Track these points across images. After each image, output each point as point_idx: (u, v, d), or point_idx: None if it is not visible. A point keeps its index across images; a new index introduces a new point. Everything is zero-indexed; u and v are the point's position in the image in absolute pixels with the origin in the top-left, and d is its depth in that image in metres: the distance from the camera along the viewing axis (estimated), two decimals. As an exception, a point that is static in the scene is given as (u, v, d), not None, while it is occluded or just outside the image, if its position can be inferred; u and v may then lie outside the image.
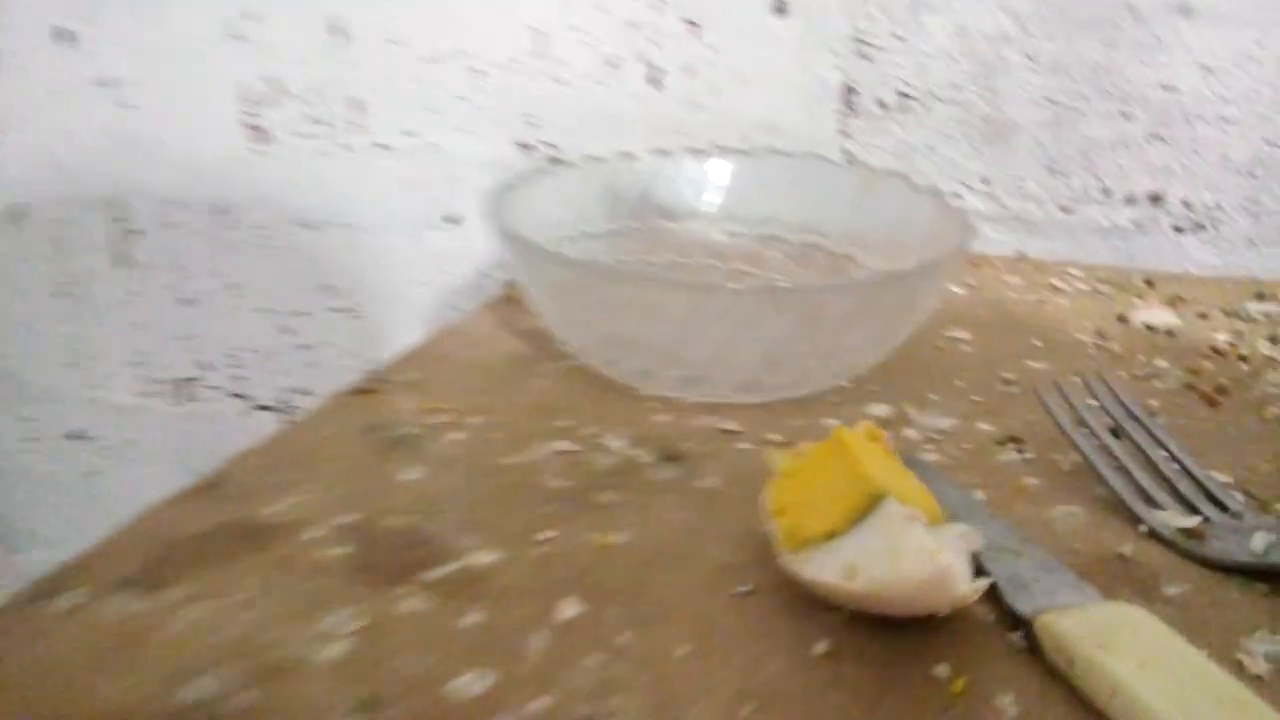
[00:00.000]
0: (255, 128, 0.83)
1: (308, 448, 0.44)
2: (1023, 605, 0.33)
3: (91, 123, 0.87)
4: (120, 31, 0.85)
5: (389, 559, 0.37)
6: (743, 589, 0.35)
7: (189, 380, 0.97)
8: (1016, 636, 0.33)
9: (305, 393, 0.96)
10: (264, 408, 0.96)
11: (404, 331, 0.81)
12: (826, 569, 0.33)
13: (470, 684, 0.31)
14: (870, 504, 0.33)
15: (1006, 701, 0.30)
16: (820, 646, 0.32)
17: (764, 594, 0.35)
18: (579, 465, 0.43)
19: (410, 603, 0.34)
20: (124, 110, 0.87)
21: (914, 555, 0.31)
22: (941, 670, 0.31)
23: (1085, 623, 0.31)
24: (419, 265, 0.84)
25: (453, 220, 0.82)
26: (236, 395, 0.97)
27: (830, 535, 0.33)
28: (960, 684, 0.31)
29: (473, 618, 0.33)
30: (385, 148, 0.80)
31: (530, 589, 0.35)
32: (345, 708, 0.30)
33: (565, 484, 0.41)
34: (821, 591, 0.33)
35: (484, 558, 0.37)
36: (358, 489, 0.41)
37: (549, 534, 0.38)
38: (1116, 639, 0.31)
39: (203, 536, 0.38)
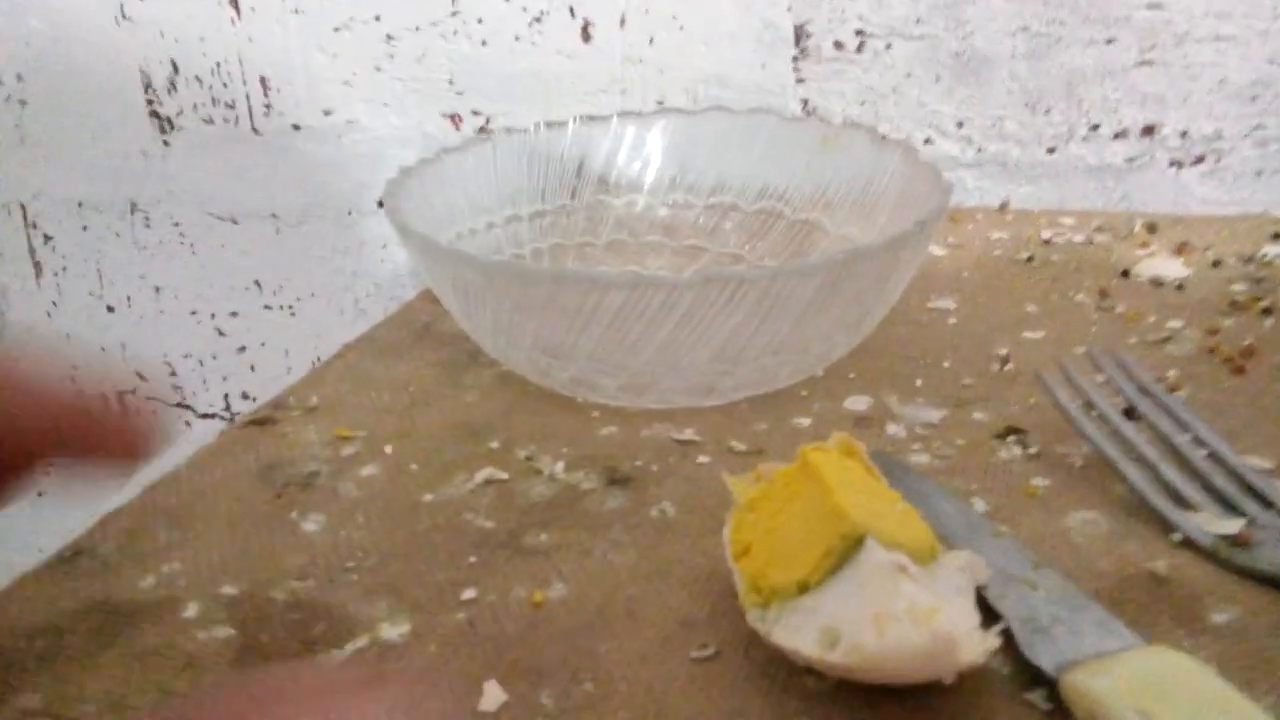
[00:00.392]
0: (157, 115, 0.76)
1: (187, 501, 0.37)
2: (1044, 658, 0.27)
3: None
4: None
5: (280, 640, 0.31)
6: (703, 653, 0.29)
7: (126, 393, 0.90)
8: (1038, 696, 0.27)
9: (249, 397, 0.89)
10: (208, 415, 0.90)
11: (344, 328, 0.74)
12: (801, 634, 0.26)
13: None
14: (848, 547, 0.27)
15: (1031, 782, 0.24)
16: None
17: (729, 656, 0.29)
18: (510, 498, 0.37)
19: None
20: (15, 106, 0.80)
21: (906, 618, 0.25)
22: (949, 741, 0.25)
23: (1122, 680, 0.25)
24: (353, 254, 0.77)
25: (384, 204, 0.75)
26: (180, 405, 0.90)
27: (803, 587, 0.27)
28: (972, 761, 0.25)
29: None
30: (299, 128, 0.72)
31: (448, 669, 0.29)
32: None
33: (493, 524, 0.35)
34: (798, 659, 0.27)
35: (393, 630, 0.31)
36: (246, 549, 0.35)
37: (471, 593, 0.32)
38: (1162, 700, 0.25)
39: (53, 626, 0.32)
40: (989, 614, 0.29)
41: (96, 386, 0.26)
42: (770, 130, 0.49)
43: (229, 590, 0.33)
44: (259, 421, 0.42)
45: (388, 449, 0.40)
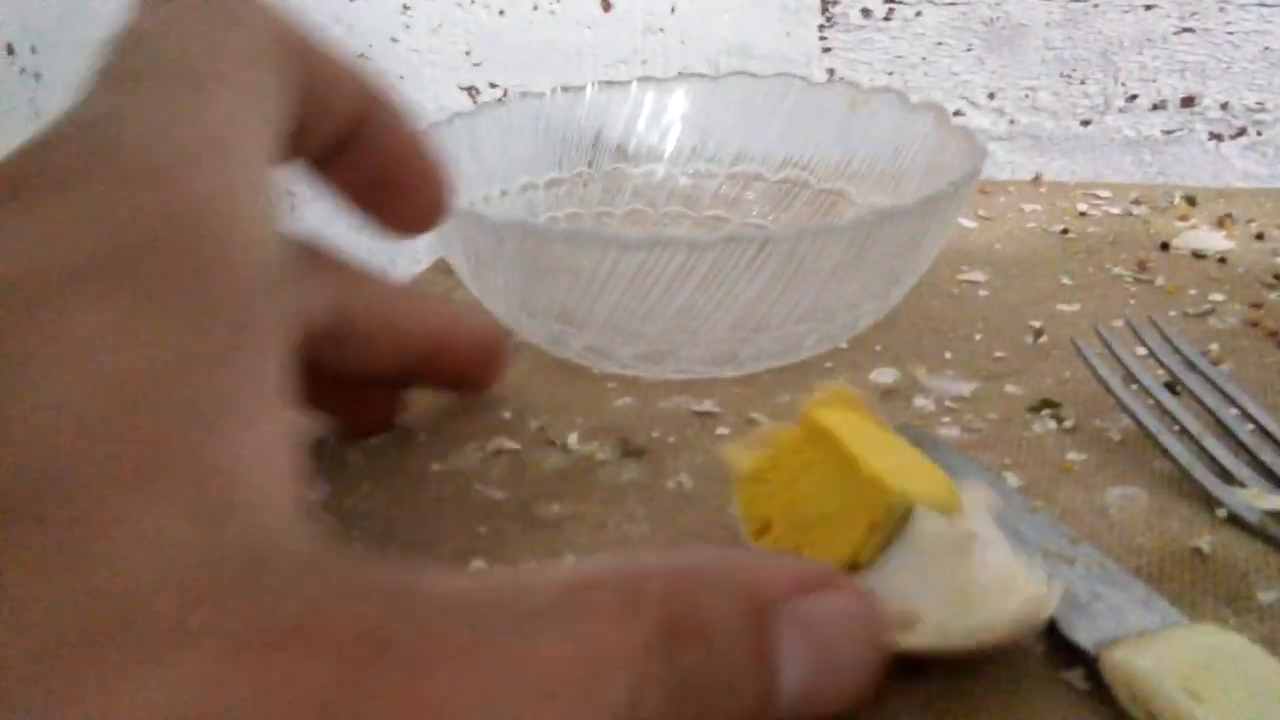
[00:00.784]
0: (170, 89, 0.75)
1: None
2: (1083, 635, 0.25)
3: (-10, 97, 0.79)
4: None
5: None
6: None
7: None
8: (1075, 675, 0.25)
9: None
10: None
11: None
12: None
13: None
14: (896, 518, 0.25)
15: (1070, 765, 0.23)
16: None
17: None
18: (521, 469, 0.35)
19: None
20: (30, 80, 0.79)
21: (995, 587, 0.23)
22: (982, 723, 0.24)
23: (1167, 658, 0.24)
24: (366, 234, 0.76)
25: (397, 178, 0.73)
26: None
27: (853, 566, 0.25)
28: (1008, 744, 0.23)
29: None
30: (314, 102, 0.71)
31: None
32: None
33: (504, 495, 0.34)
34: None
35: (398, 602, 0.29)
36: (248, 518, 0.34)
37: (480, 564, 0.31)
38: (1209, 678, 0.23)
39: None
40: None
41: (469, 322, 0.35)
42: (795, 95, 0.47)
43: (228, 560, 0.32)
44: (265, 390, 0.41)
45: (396, 419, 0.39)
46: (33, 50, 0.78)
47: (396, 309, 0.33)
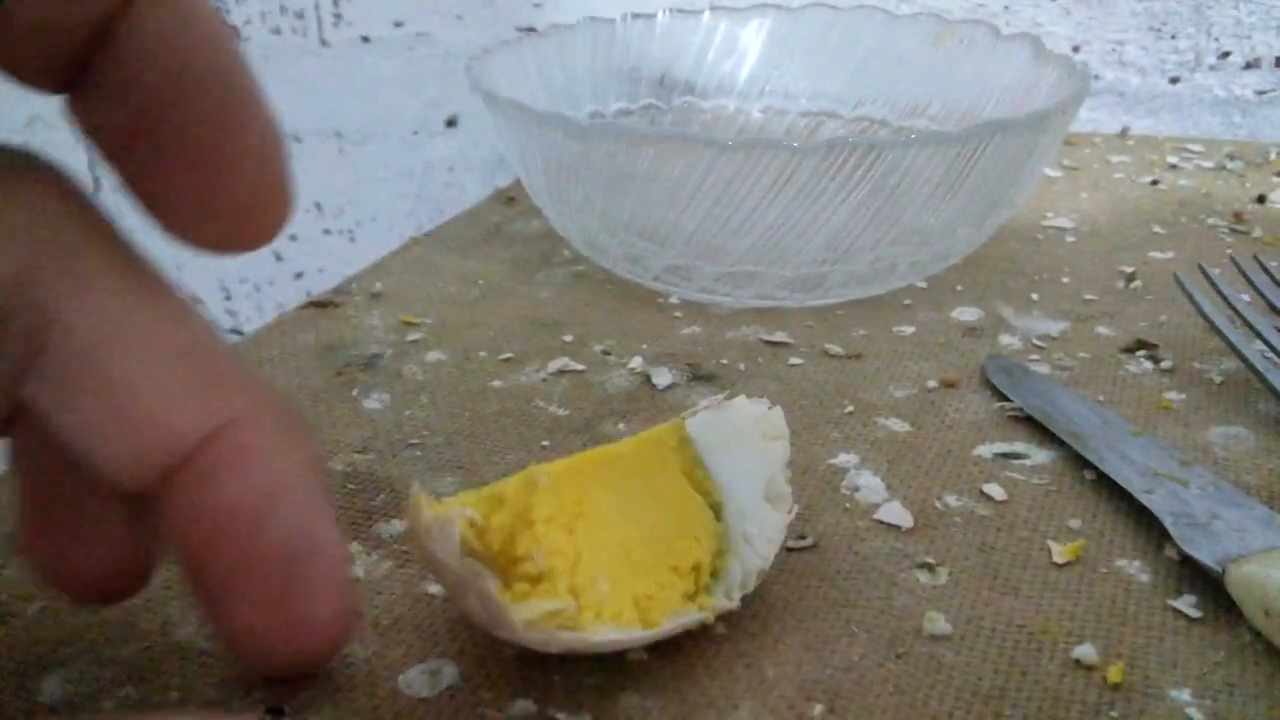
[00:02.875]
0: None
1: (242, 372, 0.35)
2: (1204, 553, 0.23)
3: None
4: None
5: (337, 508, 0.28)
6: (801, 543, 0.26)
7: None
8: (1186, 602, 0.23)
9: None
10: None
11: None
12: None
13: (434, 671, 0.22)
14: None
15: (1185, 695, 0.21)
16: (911, 624, 0.23)
17: (827, 547, 0.26)
18: (585, 388, 0.34)
19: (360, 567, 0.25)
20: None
21: None
22: (1086, 652, 0.22)
23: (1301, 576, 0.22)
24: (417, 177, 0.75)
25: (453, 124, 0.72)
26: (233, 331, 0.89)
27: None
28: (1118, 671, 0.21)
29: (439, 587, 0.24)
30: (368, 40, 0.70)
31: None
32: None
33: (567, 412, 0.32)
34: None
35: (458, 507, 0.28)
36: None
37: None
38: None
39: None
40: (1141, 512, 0.26)
41: None
42: (876, 28, 0.45)
43: (282, 460, 0.30)
44: (320, 304, 0.40)
45: (454, 338, 0.37)
46: None
47: None
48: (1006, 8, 0.56)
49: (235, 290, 0.86)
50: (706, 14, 0.47)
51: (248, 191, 0.17)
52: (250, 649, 0.18)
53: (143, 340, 0.17)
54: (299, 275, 0.83)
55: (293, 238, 0.81)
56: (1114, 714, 0.21)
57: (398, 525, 0.27)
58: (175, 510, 0.17)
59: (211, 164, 0.17)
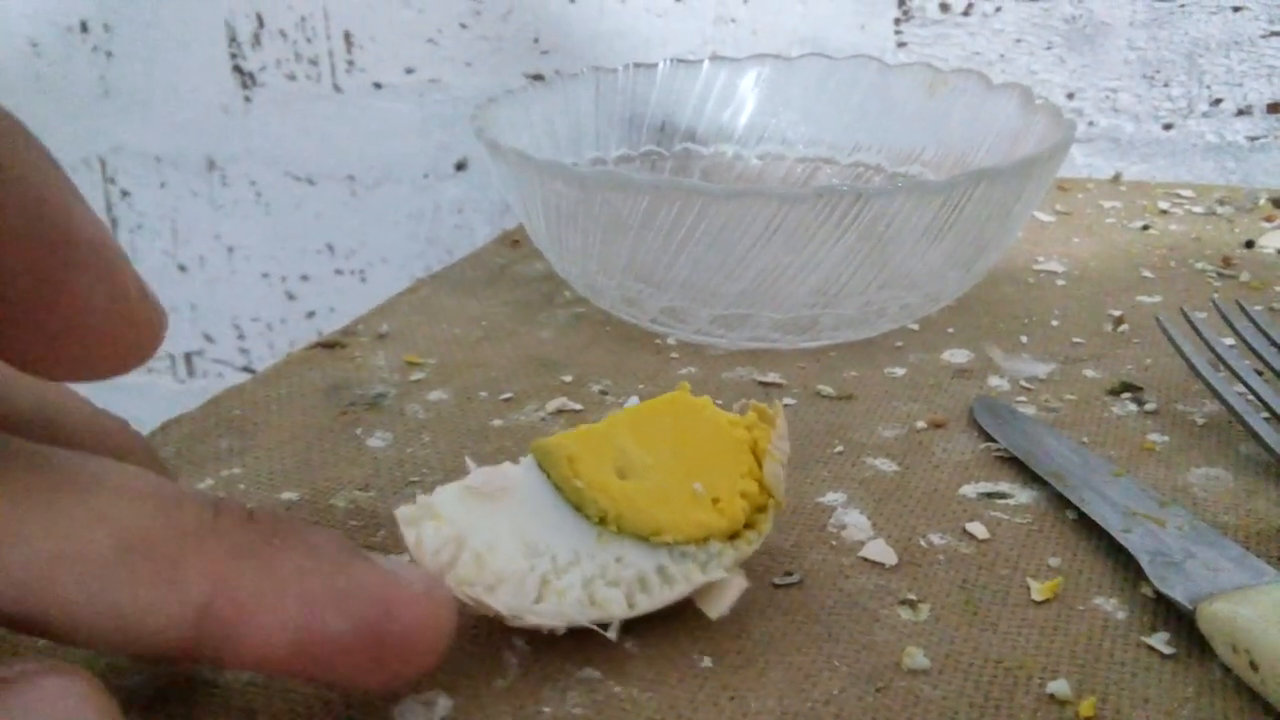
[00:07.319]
0: (240, 70, 0.75)
1: (250, 411, 0.36)
2: (1178, 591, 0.24)
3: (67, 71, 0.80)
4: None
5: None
6: (787, 580, 0.27)
7: (192, 354, 0.90)
8: (1160, 639, 0.24)
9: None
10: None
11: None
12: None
13: (428, 702, 0.22)
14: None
15: (1156, 731, 0.22)
16: (891, 658, 0.24)
17: (812, 584, 0.26)
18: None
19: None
20: (101, 58, 0.80)
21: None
22: (1060, 688, 0.22)
23: (1270, 609, 0.22)
24: (427, 219, 0.76)
25: (462, 167, 0.74)
26: (245, 369, 0.90)
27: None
28: (1090, 706, 0.22)
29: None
30: (380, 87, 0.72)
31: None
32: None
33: (564, 450, 0.33)
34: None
35: (455, 543, 0.29)
36: (308, 460, 0.33)
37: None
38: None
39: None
40: (1119, 551, 0.26)
41: None
42: (871, 77, 0.46)
43: (289, 495, 0.31)
44: (327, 345, 0.41)
45: (456, 378, 0.38)
46: (105, 28, 0.79)
47: None
48: (1002, 56, 0.58)
49: (248, 329, 0.87)
50: (706, 64, 0.48)
51: (96, 333, 0.16)
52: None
53: None
54: (311, 314, 0.84)
55: (305, 278, 0.82)
56: (1086, 747, 0.21)
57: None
58: None
59: (51, 323, 0.16)
